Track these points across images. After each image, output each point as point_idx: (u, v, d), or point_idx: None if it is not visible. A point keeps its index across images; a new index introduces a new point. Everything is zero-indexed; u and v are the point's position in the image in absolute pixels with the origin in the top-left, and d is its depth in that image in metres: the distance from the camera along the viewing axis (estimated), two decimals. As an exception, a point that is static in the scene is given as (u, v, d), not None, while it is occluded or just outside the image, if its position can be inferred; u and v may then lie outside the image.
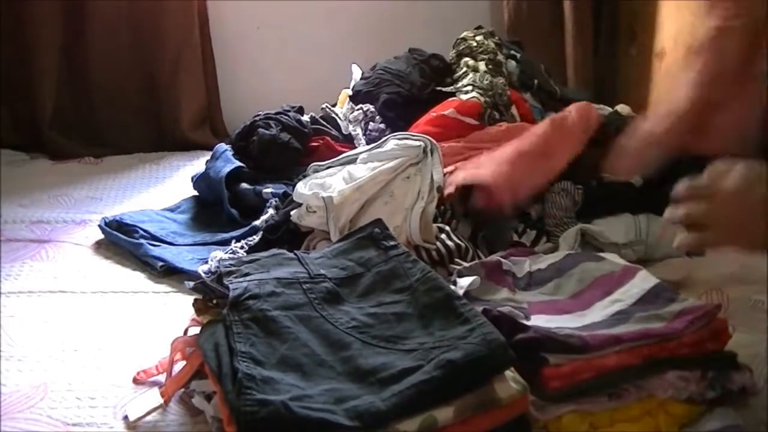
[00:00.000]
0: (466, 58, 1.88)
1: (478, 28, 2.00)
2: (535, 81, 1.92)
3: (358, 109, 1.87)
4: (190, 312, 1.15)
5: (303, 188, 1.43)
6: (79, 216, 1.76)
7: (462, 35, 1.97)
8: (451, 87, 1.83)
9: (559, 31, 2.43)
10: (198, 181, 1.82)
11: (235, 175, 1.73)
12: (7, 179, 1.99)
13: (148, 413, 1.07)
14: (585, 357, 0.97)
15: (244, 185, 1.72)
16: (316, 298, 1.06)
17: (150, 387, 1.13)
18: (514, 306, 1.12)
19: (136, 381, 1.15)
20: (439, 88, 1.85)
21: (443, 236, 1.36)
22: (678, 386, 1.00)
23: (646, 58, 2.23)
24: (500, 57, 1.88)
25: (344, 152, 1.82)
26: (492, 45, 1.90)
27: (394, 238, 1.19)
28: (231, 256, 1.45)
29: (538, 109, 1.90)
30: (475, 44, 1.90)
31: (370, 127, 1.84)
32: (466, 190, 1.39)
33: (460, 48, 1.93)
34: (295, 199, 1.45)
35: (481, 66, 1.82)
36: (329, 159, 1.81)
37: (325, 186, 1.42)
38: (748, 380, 1.03)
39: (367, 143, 1.80)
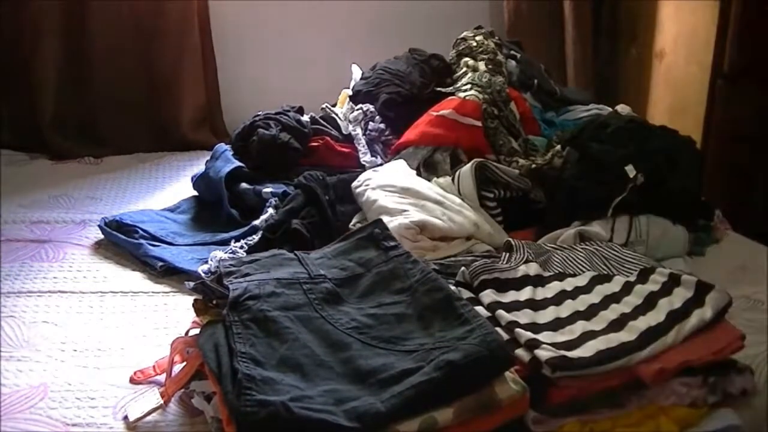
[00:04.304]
0: (466, 58, 1.88)
1: (478, 28, 2.00)
2: (535, 81, 1.92)
3: (357, 109, 1.87)
4: (190, 312, 1.15)
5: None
6: (79, 216, 1.76)
7: (462, 35, 1.97)
8: (451, 87, 1.83)
9: (559, 31, 2.43)
10: (198, 181, 1.82)
11: (234, 175, 1.73)
12: (7, 179, 1.99)
13: (148, 413, 1.07)
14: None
15: (244, 185, 1.72)
16: (316, 298, 1.06)
17: (150, 387, 1.13)
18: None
19: (133, 381, 1.15)
20: (438, 89, 1.85)
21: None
22: (680, 393, 1.00)
23: (646, 58, 2.23)
24: (500, 57, 1.88)
25: (344, 152, 1.82)
26: (492, 45, 1.90)
27: (394, 238, 1.19)
28: (231, 255, 1.45)
29: (537, 109, 1.90)
30: (475, 44, 1.90)
31: (369, 127, 1.84)
32: None
33: (460, 48, 1.93)
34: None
35: (481, 66, 1.82)
36: (329, 159, 1.82)
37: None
38: (749, 382, 1.03)
39: (367, 143, 1.81)
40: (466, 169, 1.49)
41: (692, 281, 1.10)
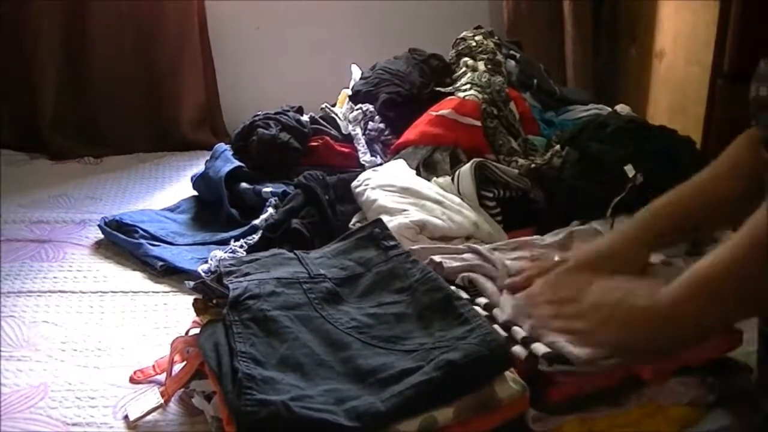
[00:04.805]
0: (466, 58, 1.88)
1: (478, 27, 2.00)
2: (535, 81, 1.92)
3: (357, 109, 1.88)
4: (190, 312, 1.15)
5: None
6: (79, 216, 1.77)
7: (462, 35, 1.97)
8: (450, 87, 1.83)
9: (558, 31, 2.43)
10: (197, 180, 1.82)
11: (234, 175, 1.73)
12: (7, 179, 1.99)
13: (148, 413, 1.07)
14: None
15: (244, 185, 1.72)
16: (316, 298, 1.06)
17: (150, 387, 1.13)
18: None
19: (132, 381, 1.15)
20: (438, 89, 1.85)
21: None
22: (678, 392, 1.00)
23: (646, 58, 2.23)
24: (499, 57, 1.88)
25: (344, 152, 1.82)
26: (491, 45, 1.90)
27: (394, 238, 1.19)
28: (231, 255, 1.45)
29: (537, 109, 1.90)
30: (474, 44, 1.90)
31: (369, 127, 1.84)
32: None
33: (460, 48, 1.93)
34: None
35: (480, 66, 1.83)
36: (328, 159, 1.81)
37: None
38: (747, 381, 1.03)
39: (367, 143, 1.81)
40: (466, 169, 1.49)
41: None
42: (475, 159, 1.51)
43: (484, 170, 1.49)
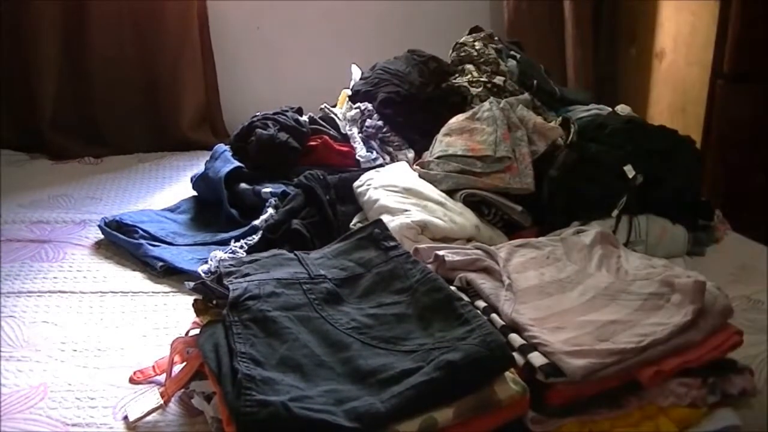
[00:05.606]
0: (470, 66, 1.88)
1: (475, 29, 1.99)
2: (535, 81, 1.92)
3: (355, 108, 1.87)
4: (190, 312, 1.15)
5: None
6: (79, 216, 1.77)
7: (461, 40, 1.96)
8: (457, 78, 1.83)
9: (559, 31, 2.43)
10: (197, 181, 1.82)
11: (234, 175, 1.73)
12: (7, 179, 1.99)
13: (148, 413, 1.07)
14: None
15: (243, 185, 1.72)
16: (316, 298, 1.06)
17: (150, 387, 1.13)
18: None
19: (132, 381, 1.15)
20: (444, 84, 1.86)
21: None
22: (679, 393, 1.00)
23: (646, 58, 2.23)
24: (503, 66, 1.88)
25: (343, 151, 1.83)
26: (493, 54, 1.90)
27: (394, 238, 1.19)
28: (231, 255, 1.45)
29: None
30: (476, 54, 1.90)
31: (366, 124, 1.84)
32: None
33: (462, 55, 1.93)
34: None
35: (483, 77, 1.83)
36: (328, 158, 1.81)
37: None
38: (748, 382, 1.03)
39: (363, 140, 1.81)
40: (456, 197, 1.50)
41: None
42: (463, 191, 1.50)
43: (473, 197, 1.49)
